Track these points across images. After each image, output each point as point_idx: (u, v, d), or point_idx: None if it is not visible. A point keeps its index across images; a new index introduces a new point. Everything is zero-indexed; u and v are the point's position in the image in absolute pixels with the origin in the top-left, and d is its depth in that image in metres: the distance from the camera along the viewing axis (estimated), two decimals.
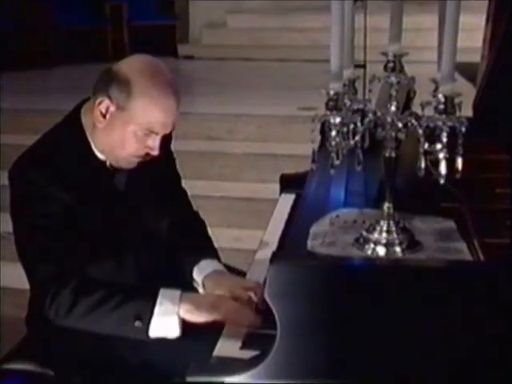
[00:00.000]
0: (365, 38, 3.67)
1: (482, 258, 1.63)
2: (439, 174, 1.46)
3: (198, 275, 2.06)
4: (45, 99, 5.68)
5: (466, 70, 2.67)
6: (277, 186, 3.03)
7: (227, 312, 1.83)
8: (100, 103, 1.91)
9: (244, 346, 1.75)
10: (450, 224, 1.77)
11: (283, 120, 4.83)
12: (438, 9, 1.54)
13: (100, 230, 1.97)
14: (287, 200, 2.82)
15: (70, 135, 2.00)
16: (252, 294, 1.92)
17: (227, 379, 1.52)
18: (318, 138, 1.60)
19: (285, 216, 2.59)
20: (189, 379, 1.55)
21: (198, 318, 1.83)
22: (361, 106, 1.56)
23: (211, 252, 2.17)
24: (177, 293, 1.86)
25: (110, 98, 1.90)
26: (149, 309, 1.82)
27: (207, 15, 8.16)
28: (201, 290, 2.05)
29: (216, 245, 2.30)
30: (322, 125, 3.01)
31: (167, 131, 1.95)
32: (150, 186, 2.10)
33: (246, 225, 4.08)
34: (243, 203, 4.26)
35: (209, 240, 2.27)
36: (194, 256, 2.10)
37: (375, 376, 1.48)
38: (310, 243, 1.66)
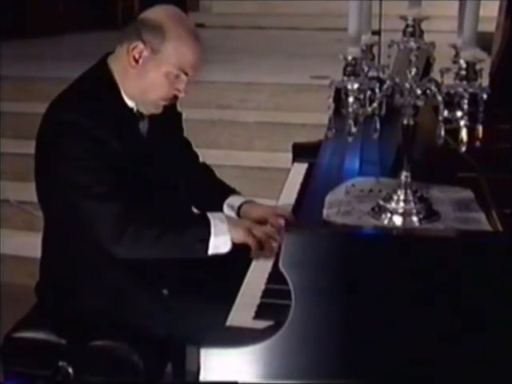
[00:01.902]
0: (380, 5, 3.63)
1: (500, 228, 1.60)
2: (460, 142, 1.43)
3: (229, 209, 2.27)
4: (55, 66, 5.63)
5: (481, 40, 2.63)
6: (289, 155, 3.00)
7: (262, 234, 2.02)
8: (134, 48, 2.01)
9: (257, 316, 1.73)
10: (469, 194, 1.74)
11: (295, 88, 4.78)
12: None
13: (135, 173, 2.07)
14: (300, 169, 2.80)
15: (100, 83, 2.08)
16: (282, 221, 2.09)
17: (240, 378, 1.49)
18: (332, 105, 1.55)
19: (297, 185, 2.57)
20: (203, 351, 1.52)
21: (237, 237, 2.02)
22: (379, 73, 1.52)
23: (234, 189, 2.37)
24: (222, 215, 2.09)
25: (143, 42, 2.01)
26: (207, 232, 2.00)
27: None
28: None
29: None
30: (336, 92, 2.99)
31: (195, 73, 2.08)
32: (167, 134, 2.22)
33: (258, 194, 4.01)
34: (255, 172, 4.22)
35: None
36: (222, 193, 2.32)
37: (390, 347, 1.46)
38: (325, 212, 1.64)
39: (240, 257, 2.04)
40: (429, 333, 1.45)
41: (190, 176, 2.35)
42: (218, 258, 2.06)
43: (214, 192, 2.36)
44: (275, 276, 1.89)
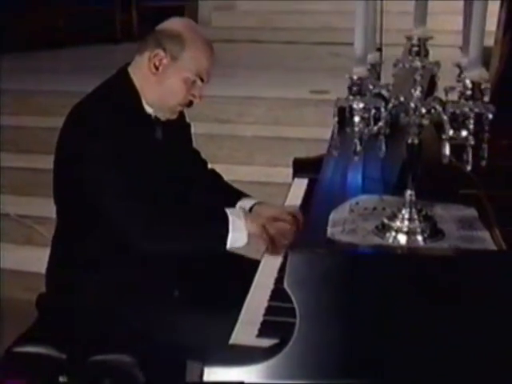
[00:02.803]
0: (381, 20, 3.62)
1: (504, 246, 1.60)
2: (466, 161, 1.43)
3: (241, 211, 2.31)
4: (54, 80, 5.65)
5: None
6: (288, 170, 3.01)
7: (275, 231, 2.16)
8: (155, 56, 2.16)
9: (260, 334, 1.73)
10: (472, 212, 1.73)
11: (295, 103, 4.79)
12: None
13: (153, 176, 2.17)
14: (300, 185, 2.80)
15: (122, 90, 2.19)
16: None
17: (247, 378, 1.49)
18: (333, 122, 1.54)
19: (298, 201, 2.58)
20: (207, 370, 1.52)
21: (252, 231, 2.15)
22: (383, 91, 1.52)
23: (244, 192, 2.50)
24: (240, 211, 2.23)
25: (164, 50, 2.15)
26: (225, 228, 2.13)
27: None
28: None
29: None
30: (339, 109, 2.99)
31: (208, 79, 2.23)
32: (179, 140, 2.37)
33: None
34: (255, 187, 4.18)
35: None
36: (233, 196, 2.45)
37: (396, 365, 1.46)
38: (329, 230, 1.63)
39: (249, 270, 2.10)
40: (434, 350, 1.45)
41: (201, 180, 2.49)
42: (232, 266, 2.28)
43: (226, 195, 2.47)
44: (278, 293, 1.90)
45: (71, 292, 2.20)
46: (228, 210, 2.19)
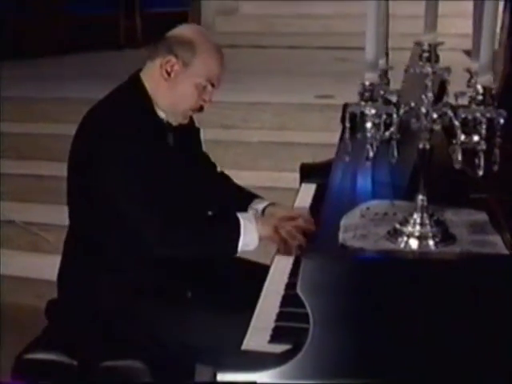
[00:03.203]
0: (387, 25, 3.62)
1: None
2: (478, 166, 1.44)
3: (254, 212, 2.41)
4: (57, 87, 5.66)
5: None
6: (294, 175, 3.02)
7: (286, 233, 2.20)
8: (167, 62, 2.21)
9: (272, 340, 1.73)
10: (483, 216, 1.74)
11: (299, 108, 4.80)
12: None
13: (166, 180, 2.21)
14: (308, 190, 2.81)
15: (135, 96, 2.24)
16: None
17: (259, 379, 1.49)
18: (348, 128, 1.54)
19: (306, 206, 2.59)
20: (219, 375, 1.53)
21: (264, 233, 2.21)
22: (394, 97, 1.53)
23: (256, 194, 2.57)
24: (251, 216, 2.28)
25: (176, 56, 2.20)
26: (237, 232, 2.18)
27: (219, 2, 8.12)
28: None
29: None
30: (343, 114, 3.00)
31: (218, 84, 2.28)
32: (190, 145, 2.42)
33: None
34: (261, 192, 4.16)
35: None
36: (246, 197, 2.52)
37: (410, 370, 1.46)
38: (341, 236, 1.63)
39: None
40: (447, 353, 1.45)
41: (212, 183, 2.55)
42: (243, 268, 2.36)
43: (239, 197, 2.54)
44: (289, 299, 1.91)
45: (86, 295, 2.21)
46: (239, 214, 2.24)
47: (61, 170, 4.69)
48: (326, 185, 2.39)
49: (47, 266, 4.01)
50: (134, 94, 2.24)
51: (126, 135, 2.14)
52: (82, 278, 2.24)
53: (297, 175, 3.01)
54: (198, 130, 2.50)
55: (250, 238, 2.19)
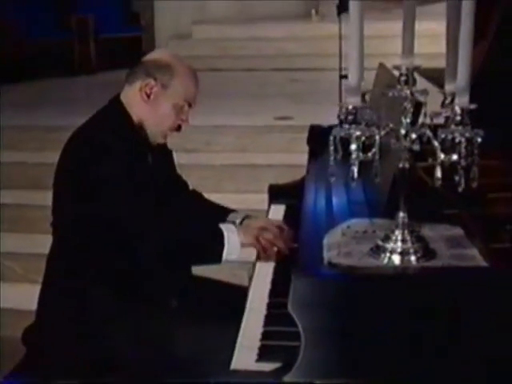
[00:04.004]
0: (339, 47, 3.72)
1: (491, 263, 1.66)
2: (458, 184, 1.50)
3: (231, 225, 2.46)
4: (13, 114, 5.62)
5: (432, 76, 2.72)
6: (258, 196, 3.07)
7: (266, 241, 2.29)
8: (146, 85, 2.31)
9: (260, 359, 1.77)
10: (458, 231, 1.81)
11: (260, 130, 4.87)
12: (446, 15, 1.58)
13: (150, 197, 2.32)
14: (278, 211, 2.85)
15: (119, 119, 2.33)
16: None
17: None
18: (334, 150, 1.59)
19: (281, 218, 2.67)
20: None
21: (246, 241, 2.29)
22: (374, 118, 1.59)
23: (230, 208, 2.68)
24: (232, 226, 2.36)
25: (155, 79, 2.31)
26: (221, 243, 2.25)
27: (173, 26, 8.20)
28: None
29: None
30: (310, 134, 3.06)
31: (194, 104, 2.41)
32: (166, 165, 2.55)
33: None
34: None
35: None
36: (222, 212, 2.62)
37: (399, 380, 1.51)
38: (325, 254, 1.69)
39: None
40: (433, 366, 1.51)
41: (187, 201, 2.64)
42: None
43: (216, 212, 2.63)
44: (272, 318, 1.95)
45: (71, 311, 2.25)
46: (222, 225, 2.33)
47: (22, 197, 4.70)
48: (299, 205, 2.46)
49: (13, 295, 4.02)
50: (116, 116, 2.34)
51: (114, 154, 2.20)
52: (67, 295, 2.27)
53: (261, 196, 3.06)
54: (170, 152, 2.60)
55: (233, 246, 2.27)
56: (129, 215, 2.20)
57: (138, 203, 2.22)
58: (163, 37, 8.11)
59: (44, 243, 3.94)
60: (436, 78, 2.89)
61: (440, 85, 3.15)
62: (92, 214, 2.20)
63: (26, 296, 3.75)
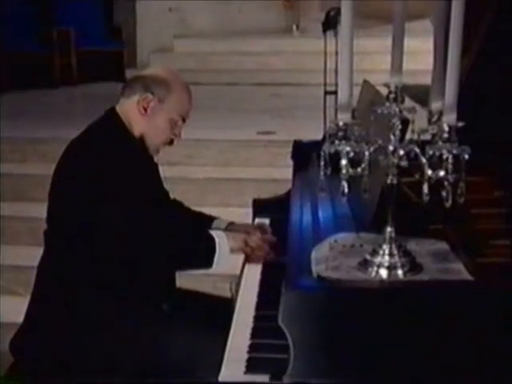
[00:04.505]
0: (336, 65, 3.78)
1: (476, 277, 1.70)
2: (446, 199, 1.53)
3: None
4: None
5: (414, 92, 2.76)
6: (241, 210, 3.10)
7: (255, 245, 2.40)
8: (144, 99, 2.38)
9: (248, 371, 1.79)
10: (444, 245, 1.84)
11: (243, 144, 4.90)
12: (433, 33, 1.62)
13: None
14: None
15: (116, 131, 2.38)
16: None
17: None
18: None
19: (267, 222, 2.77)
20: None
21: (235, 246, 2.38)
22: (363, 135, 1.62)
23: (214, 216, 2.76)
24: (221, 232, 2.44)
25: (152, 93, 2.38)
26: (212, 248, 2.33)
27: (154, 40, 8.22)
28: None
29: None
30: (295, 149, 3.09)
31: (187, 119, 2.49)
32: (157, 173, 2.62)
33: None
34: None
35: None
36: (206, 219, 2.72)
37: None
38: (314, 268, 1.71)
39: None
40: (423, 378, 1.54)
41: (171, 208, 2.71)
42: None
43: (200, 219, 2.71)
44: (259, 331, 1.97)
45: (64, 314, 2.29)
46: (214, 233, 2.41)
47: (4, 209, 4.68)
48: (285, 219, 2.49)
49: None
50: (114, 127, 2.39)
51: (112, 166, 2.26)
52: (60, 302, 2.31)
53: (244, 210, 3.09)
54: (156, 164, 2.65)
55: (223, 251, 2.35)
56: (127, 223, 2.24)
57: (136, 212, 2.25)
58: (145, 50, 8.13)
59: (27, 255, 3.98)
60: (416, 94, 2.96)
61: (419, 101, 3.20)
62: (90, 224, 2.24)
63: (7, 308, 3.77)
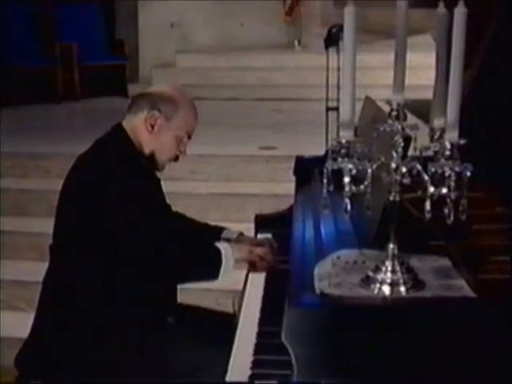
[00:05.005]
0: (338, 80, 3.80)
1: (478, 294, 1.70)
2: (448, 216, 1.54)
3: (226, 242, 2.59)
4: None
5: (414, 107, 2.77)
6: (243, 225, 3.10)
7: (257, 256, 2.45)
8: (151, 116, 2.40)
9: None
10: (446, 262, 1.84)
11: (245, 159, 4.91)
12: (435, 48, 1.63)
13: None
14: None
15: (123, 145, 2.41)
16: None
17: None
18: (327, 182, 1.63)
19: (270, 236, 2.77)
20: None
21: (240, 257, 2.43)
22: (365, 152, 1.63)
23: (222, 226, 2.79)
24: (226, 244, 2.47)
25: (159, 111, 2.40)
26: (218, 260, 2.36)
27: (157, 55, 8.26)
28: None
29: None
30: (297, 165, 3.10)
31: (192, 135, 2.50)
32: (158, 189, 2.62)
33: None
34: None
35: None
36: (214, 230, 2.74)
37: None
38: (317, 285, 1.71)
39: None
40: None
41: (176, 220, 2.74)
42: None
43: (207, 230, 2.75)
44: (262, 346, 1.97)
45: (72, 327, 2.31)
46: (221, 245, 2.44)
47: (5, 224, 4.68)
48: (287, 234, 2.49)
49: None
50: (120, 143, 2.42)
51: (120, 181, 2.28)
52: (66, 315, 2.33)
53: (246, 225, 3.10)
54: (159, 179, 2.66)
55: (229, 263, 2.38)
56: (132, 237, 2.27)
57: (142, 225, 2.28)
58: (147, 65, 8.17)
59: (28, 270, 3.99)
60: (417, 109, 2.97)
61: (420, 116, 3.20)
62: (95, 238, 2.26)
63: (8, 323, 3.77)
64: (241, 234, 2.74)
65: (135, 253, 2.27)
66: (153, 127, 2.40)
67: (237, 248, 2.47)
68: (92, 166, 2.36)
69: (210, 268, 2.37)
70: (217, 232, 2.72)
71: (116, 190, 2.26)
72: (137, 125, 2.43)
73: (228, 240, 2.65)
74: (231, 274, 2.41)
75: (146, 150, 2.42)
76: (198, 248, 2.43)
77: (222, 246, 2.43)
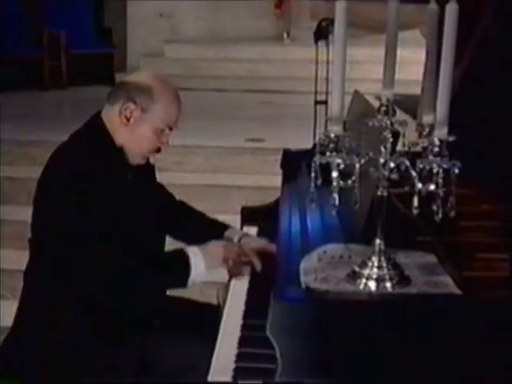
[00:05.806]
0: (327, 74, 3.79)
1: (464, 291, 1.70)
2: (436, 213, 1.54)
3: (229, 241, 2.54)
4: None
5: (402, 102, 2.78)
6: (228, 217, 3.09)
7: (232, 261, 2.35)
8: (126, 109, 2.27)
9: (235, 381, 1.79)
10: (432, 258, 1.84)
11: (231, 151, 4.90)
12: (426, 44, 1.63)
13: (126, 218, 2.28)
14: (250, 233, 2.87)
15: (98, 138, 2.31)
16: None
17: None
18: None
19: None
20: None
21: (212, 265, 2.32)
22: (354, 146, 1.63)
23: (226, 224, 2.71)
24: (197, 249, 2.33)
25: (135, 103, 2.26)
26: (187, 271, 2.28)
27: (145, 44, 8.23)
28: None
29: None
30: (284, 158, 3.10)
31: (176, 127, 2.36)
32: (148, 180, 2.51)
33: None
34: None
35: None
36: (219, 226, 2.67)
37: None
38: (302, 279, 1.71)
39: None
40: None
41: (173, 212, 2.70)
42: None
43: (211, 226, 2.69)
44: (246, 340, 1.97)
45: (52, 323, 2.26)
46: (188, 249, 2.34)
47: None
48: (273, 227, 2.49)
49: None
50: (96, 136, 2.31)
51: (88, 177, 2.19)
52: (47, 310, 2.28)
53: (232, 217, 3.09)
54: (152, 167, 2.56)
55: (198, 272, 2.30)
56: (92, 238, 2.18)
57: (111, 231, 2.19)
58: (135, 54, 8.14)
59: (14, 259, 3.96)
60: (405, 104, 2.96)
61: (408, 111, 3.19)
62: (70, 234, 2.18)
63: None
64: (245, 234, 2.65)
65: (93, 255, 2.19)
66: (128, 120, 2.27)
67: (209, 255, 2.33)
68: (64, 161, 2.26)
69: (177, 278, 2.30)
70: (220, 230, 2.63)
71: (82, 188, 2.17)
72: (113, 116, 2.30)
73: (228, 240, 2.55)
74: (204, 277, 2.35)
75: (124, 144, 2.30)
76: (165, 258, 2.36)
77: (193, 252, 2.32)
